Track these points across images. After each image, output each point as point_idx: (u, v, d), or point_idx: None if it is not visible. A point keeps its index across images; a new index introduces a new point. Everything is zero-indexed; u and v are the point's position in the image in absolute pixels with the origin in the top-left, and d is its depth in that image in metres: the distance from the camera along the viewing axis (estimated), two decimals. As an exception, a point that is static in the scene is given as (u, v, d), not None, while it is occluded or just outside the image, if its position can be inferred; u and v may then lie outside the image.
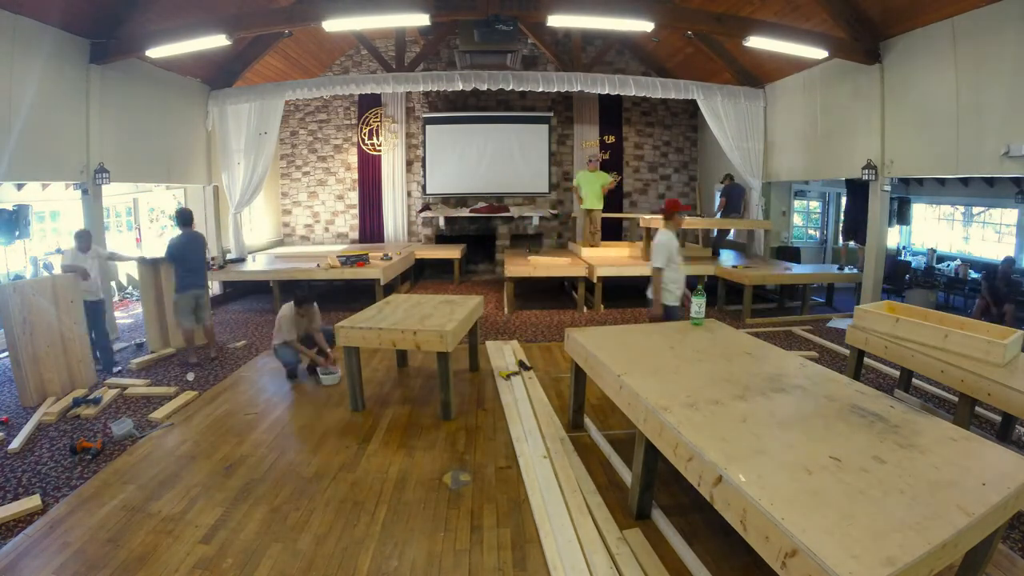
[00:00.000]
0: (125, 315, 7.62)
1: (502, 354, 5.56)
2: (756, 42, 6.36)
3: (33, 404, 4.33)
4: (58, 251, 8.11)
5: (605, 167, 11.19)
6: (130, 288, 9.00)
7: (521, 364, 5.14)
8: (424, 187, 11.12)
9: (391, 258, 8.32)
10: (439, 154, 10.99)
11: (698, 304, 3.92)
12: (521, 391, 4.55)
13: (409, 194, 11.23)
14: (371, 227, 11.22)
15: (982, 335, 3.33)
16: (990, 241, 9.35)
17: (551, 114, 11.08)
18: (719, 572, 2.37)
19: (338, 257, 7.72)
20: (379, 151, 11.03)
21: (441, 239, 11.06)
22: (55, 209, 9.09)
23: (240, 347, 6.03)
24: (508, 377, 4.86)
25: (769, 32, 6.29)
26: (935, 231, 10.38)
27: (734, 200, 8.77)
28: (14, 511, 2.84)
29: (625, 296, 8.22)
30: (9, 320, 4.31)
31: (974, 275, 7.95)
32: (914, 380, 4.53)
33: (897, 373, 4.66)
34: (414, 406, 4.33)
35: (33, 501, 2.94)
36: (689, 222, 8.10)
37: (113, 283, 7.80)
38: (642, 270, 7.87)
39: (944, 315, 3.89)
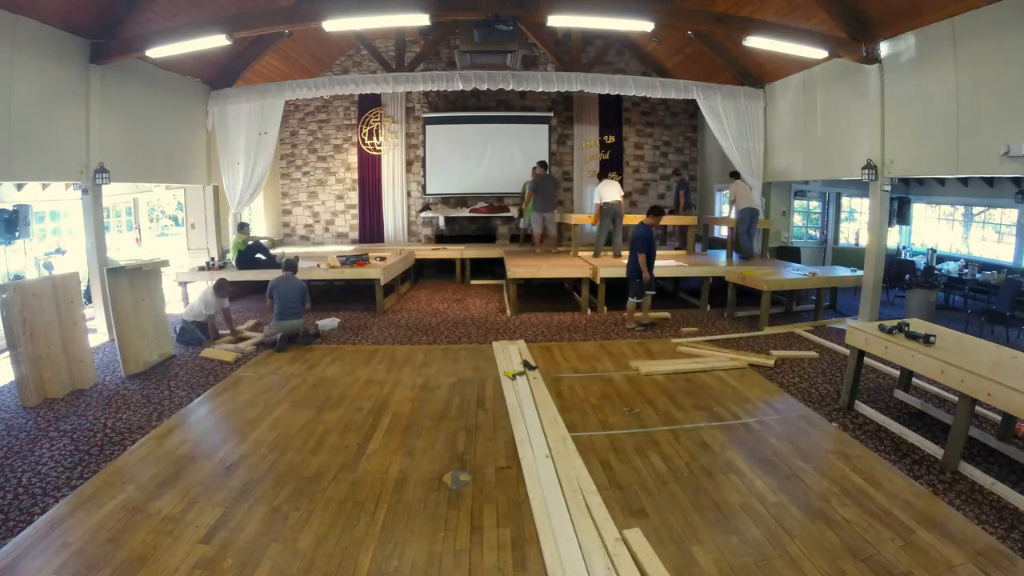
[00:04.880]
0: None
1: (507, 354, 5.55)
2: (756, 42, 6.36)
3: (33, 404, 4.33)
4: (58, 251, 8.11)
5: (605, 167, 11.22)
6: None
7: (526, 364, 5.14)
8: (424, 187, 11.12)
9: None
10: (439, 154, 10.99)
11: None
12: (525, 391, 4.55)
13: (409, 194, 11.23)
14: (371, 227, 11.22)
15: None
16: (990, 241, 9.35)
17: (551, 114, 11.07)
18: None
19: (338, 257, 7.71)
20: (379, 151, 11.03)
21: (441, 239, 11.06)
22: (55, 209, 9.09)
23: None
24: (514, 377, 4.85)
25: (769, 32, 6.29)
26: (935, 231, 10.37)
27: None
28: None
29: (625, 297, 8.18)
30: (9, 320, 4.31)
31: (978, 276, 7.90)
32: (914, 380, 4.53)
33: (897, 373, 4.66)
34: (414, 405, 4.33)
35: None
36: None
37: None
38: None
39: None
